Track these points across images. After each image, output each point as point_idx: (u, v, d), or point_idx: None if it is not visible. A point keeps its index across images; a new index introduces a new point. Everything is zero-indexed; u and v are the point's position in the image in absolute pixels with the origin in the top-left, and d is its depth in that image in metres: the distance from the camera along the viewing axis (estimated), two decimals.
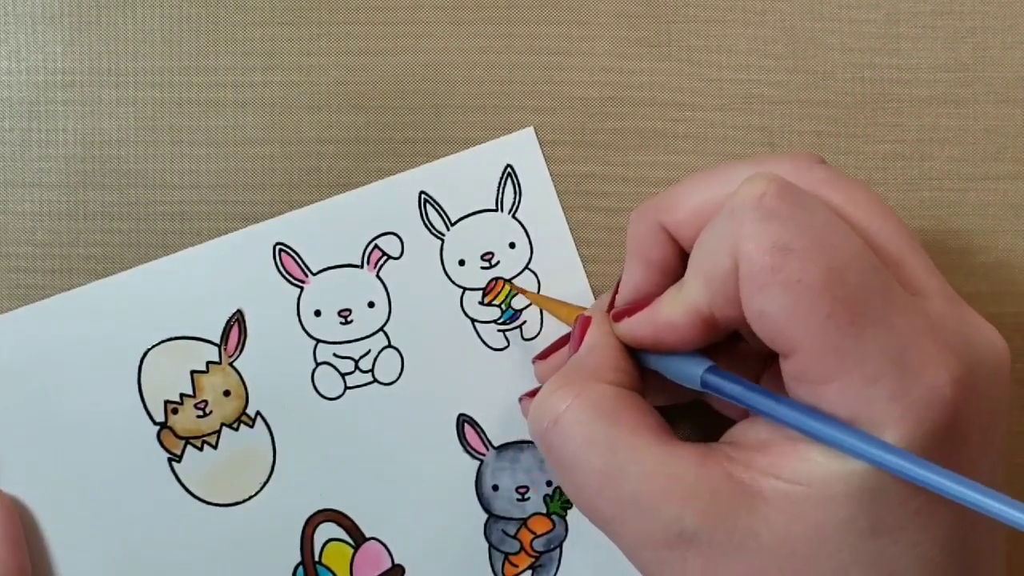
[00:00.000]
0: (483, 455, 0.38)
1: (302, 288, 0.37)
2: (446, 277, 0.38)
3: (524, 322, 0.38)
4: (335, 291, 0.37)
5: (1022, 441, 0.39)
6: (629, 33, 0.39)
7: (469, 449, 0.37)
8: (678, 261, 0.32)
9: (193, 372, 0.37)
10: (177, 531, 0.37)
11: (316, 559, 0.37)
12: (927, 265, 0.30)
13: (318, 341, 0.37)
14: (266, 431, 0.37)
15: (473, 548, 0.37)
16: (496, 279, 0.38)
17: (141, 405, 0.37)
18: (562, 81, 0.39)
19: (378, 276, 0.38)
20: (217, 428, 0.37)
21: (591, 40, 0.39)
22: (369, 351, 0.37)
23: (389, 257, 0.38)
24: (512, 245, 0.38)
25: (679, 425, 0.38)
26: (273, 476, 0.37)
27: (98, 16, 0.38)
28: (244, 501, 0.37)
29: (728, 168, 0.31)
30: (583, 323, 0.33)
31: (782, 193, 0.28)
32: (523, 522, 0.38)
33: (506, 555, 0.38)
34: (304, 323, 0.37)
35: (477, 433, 0.37)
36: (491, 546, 0.38)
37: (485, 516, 0.38)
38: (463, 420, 0.37)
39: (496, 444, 0.38)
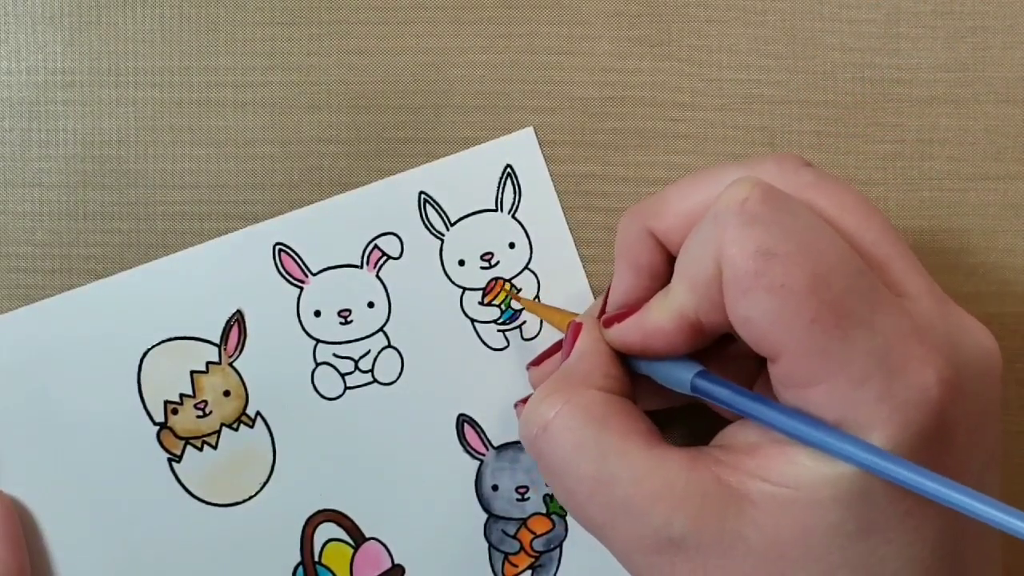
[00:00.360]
0: (483, 455, 0.38)
1: (302, 288, 0.37)
2: (446, 277, 0.38)
3: (524, 322, 0.38)
4: (335, 291, 0.37)
5: (1022, 441, 0.39)
6: (629, 33, 0.39)
7: (469, 449, 0.37)
8: (666, 266, 0.32)
9: (193, 372, 0.37)
10: (177, 531, 0.37)
11: (316, 559, 0.37)
12: (914, 266, 0.30)
13: (318, 341, 0.37)
14: (266, 431, 0.37)
15: (473, 548, 0.37)
16: (496, 279, 0.38)
17: (141, 405, 0.37)
18: (562, 81, 0.39)
19: (378, 276, 0.38)
20: (217, 428, 0.37)
21: (591, 40, 0.39)
22: (369, 351, 0.37)
23: (389, 257, 0.38)
24: (512, 245, 0.38)
25: (672, 428, 0.38)
26: (273, 476, 0.37)
27: (98, 16, 0.38)
28: (244, 501, 0.37)
29: (715, 172, 0.31)
30: (574, 329, 0.33)
31: (765, 197, 0.28)
32: (523, 522, 0.38)
33: (506, 555, 0.38)
34: (304, 323, 0.37)
35: (477, 433, 0.37)
36: (491, 546, 0.38)
37: (485, 516, 0.38)
38: (463, 420, 0.37)
39: (496, 444, 0.38)
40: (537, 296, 0.38)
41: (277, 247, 0.37)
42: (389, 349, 0.37)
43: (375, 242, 0.38)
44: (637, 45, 0.39)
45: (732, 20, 0.39)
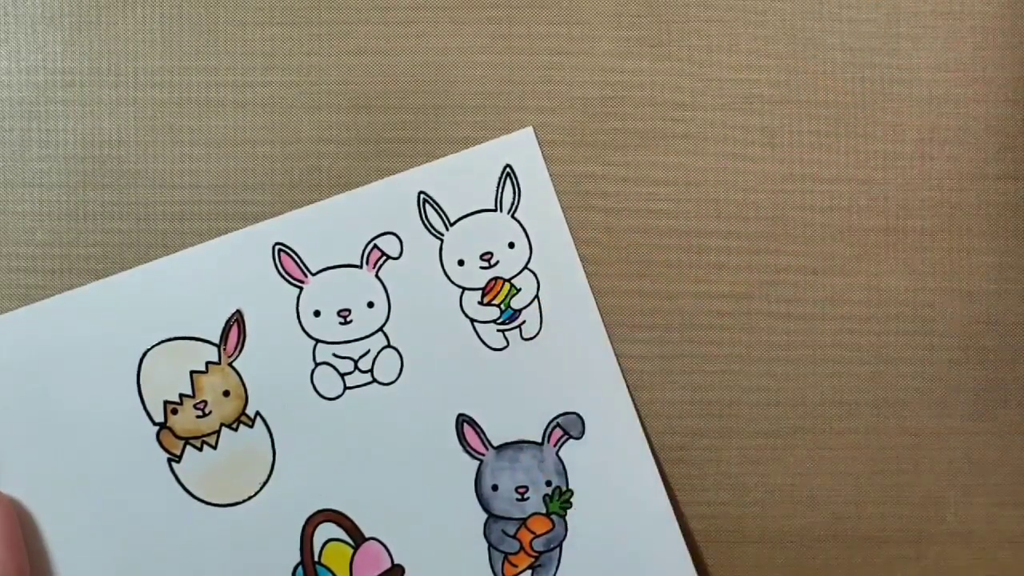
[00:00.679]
0: (482, 455, 0.38)
1: (301, 288, 0.37)
2: (445, 277, 0.38)
3: (523, 322, 0.38)
4: (334, 291, 0.37)
5: (1022, 441, 0.39)
6: (629, 33, 0.39)
7: (468, 449, 0.37)
8: None
9: (192, 372, 0.37)
10: (177, 531, 0.37)
11: (316, 559, 0.37)
12: None
13: (317, 341, 0.37)
14: (265, 431, 0.37)
15: (473, 548, 0.37)
16: (495, 279, 0.38)
17: (140, 405, 0.37)
18: (562, 81, 0.39)
19: (377, 276, 0.38)
20: (216, 428, 0.37)
21: (591, 40, 0.39)
22: (368, 351, 0.37)
23: (388, 257, 0.38)
24: (511, 245, 0.38)
25: (672, 428, 0.38)
26: (273, 476, 0.37)
27: (98, 16, 0.38)
28: (244, 501, 0.37)
29: None
30: None
31: None
32: (522, 522, 0.38)
33: (505, 555, 0.38)
34: (303, 323, 0.37)
35: (476, 433, 0.37)
36: (491, 546, 0.38)
37: (484, 516, 0.38)
38: (462, 420, 0.37)
39: (495, 444, 0.38)
40: (537, 296, 0.38)
41: (277, 247, 0.37)
42: (389, 349, 0.37)
43: (375, 242, 0.38)
44: (637, 45, 0.39)
45: (732, 20, 0.39)
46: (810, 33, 0.39)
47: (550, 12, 0.39)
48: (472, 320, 0.38)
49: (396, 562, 0.37)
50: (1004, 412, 0.39)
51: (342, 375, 0.37)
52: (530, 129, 0.38)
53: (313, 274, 0.37)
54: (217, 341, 0.37)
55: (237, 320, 0.37)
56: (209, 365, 0.37)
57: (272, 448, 0.37)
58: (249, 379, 0.37)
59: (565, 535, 0.38)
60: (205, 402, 0.37)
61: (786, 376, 0.39)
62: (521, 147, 0.38)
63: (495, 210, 0.38)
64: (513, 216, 0.38)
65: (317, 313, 0.37)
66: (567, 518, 0.38)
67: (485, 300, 0.38)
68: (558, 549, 0.38)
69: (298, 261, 0.37)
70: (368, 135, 0.38)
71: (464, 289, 0.38)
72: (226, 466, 0.37)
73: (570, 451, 0.38)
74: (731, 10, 0.39)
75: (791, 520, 0.39)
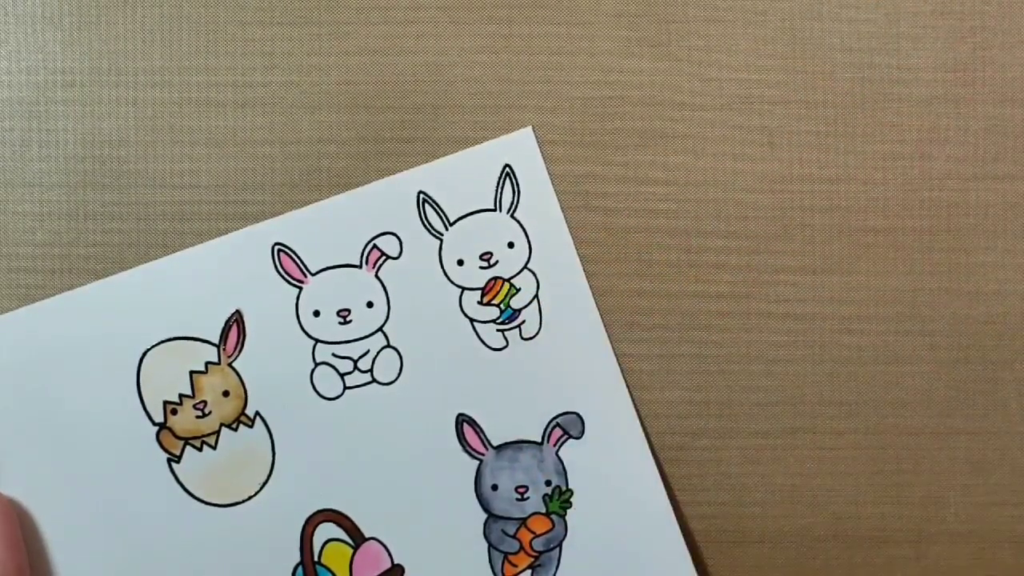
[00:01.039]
0: (482, 455, 0.38)
1: (301, 288, 0.37)
2: (445, 277, 0.38)
3: (523, 322, 0.38)
4: (334, 291, 0.37)
5: (1022, 441, 0.39)
6: (629, 33, 0.39)
7: (468, 449, 0.37)
8: None
9: (192, 372, 0.37)
10: (176, 531, 0.37)
11: (315, 559, 0.37)
12: None
13: (317, 341, 0.37)
14: (265, 431, 0.37)
15: (472, 548, 0.37)
16: (495, 279, 0.38)
17: (140, 405, 0.37)
18: (561, 81, 0.39)
19: (377, 276, 0.38)
20: (216, 428, 0.37)
21: (591, 40, 0.39)
22: (368, 351, 0.37)
23: (388, 257, 0.38)
24: (511, 245, 0.38)
25: (671, 427, 0.38)
26: (272, 476, 0.37)
27: (98, 16, 0.38)
28: (243, 501, 0.37)
29: None
30: None
31: None
32: (522, 522, 0.38)
33: (505, 555, 0.38)
34: (303, 323, 0.37)
35: (476, 433, 0.37)
36: (490, 546, 0.37)
37: (484, 516, 0.38)
38: (462, 420, 0.37)
39: (495, 444, 0.38)
40: (536, 296, 0.38)
41: (276, 247, 0.37)
42: (388, 349, 0.37)
43: (374, 242, 0.38)
44: (637, 45, 0.39)
45: (732, 20, 0.39)
46: (810, 33, 0.39)
47: (550, 12, 0.39)
48: (472, 320, 0.38)
49: (396, 562, 0.37)
50: (1004, 412, 0.39)
51: (342, 375, 0.37)
52: (529, 129, 0.38)
53: (313, 274, 0.37)
54: (217, 341, 0.37)
55: (237, 320, 0.37)
56: (209, 365, 0.37)
57: (272, 448, 0.37)
58: (249, 379, 0.37)
59: (565, 535, 0.38)
60: (205, 402, 0.37)
61: (786, 376, 0.39)
62: (520, 147, 0.38)
63: (494, 210, 0.38)
64: (512, 216, 0.38)
65: (317, 313, 0.37)
66: (567, 518, 0.38)
67: (485, 300, 0.38)
68: (558, 549, 0.38)
69: (298, 261, 0.37)
70: (368, 135, 0.38)
71: (464, 289, 0.38)
72: (226, 466, 0.37)
73: (570, 451, 0.38)
74: (731, 10, 0.39)
75: (791, 520, 0.39)
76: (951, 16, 0.39)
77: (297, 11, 0.38)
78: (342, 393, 0.37)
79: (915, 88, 0.39)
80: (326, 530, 0.37)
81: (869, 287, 0.39)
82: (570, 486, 0.38)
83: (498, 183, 0.38)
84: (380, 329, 0.38)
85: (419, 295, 0.38)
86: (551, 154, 0.38)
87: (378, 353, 0.37)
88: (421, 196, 0.38)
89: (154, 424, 0.37)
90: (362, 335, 0.37)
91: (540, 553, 0.38)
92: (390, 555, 0.37)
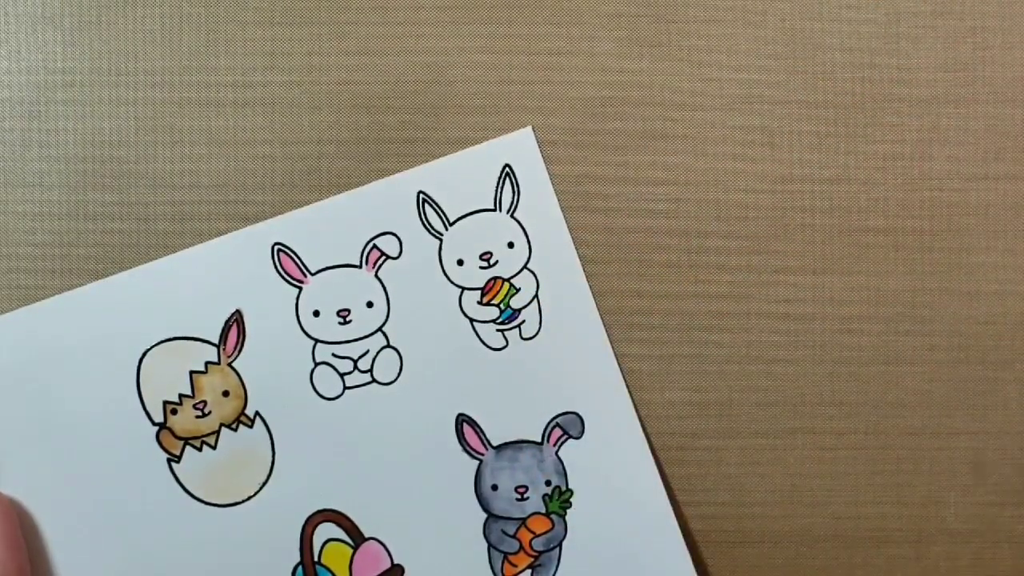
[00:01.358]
0: (482, 455, 0.38)
1: (301, 288, 0.37)
2: (444, 277, 0.38)
3: (523, 321, 0.38)
4: (334, 291, 0.37)
5: (1022, 441, 0.39)
6: (629, 33, 0.39)
7: (468, 449, 0.37)
8: None
9: (192, 372, 0.37)
10: (176, 531, 0.37)
11: (315, 559, 0.37)
12: None
13: (317, 341, 0.37)
14: (265, 431, 0.37)
15: (472, 548, 0.37)
16: (495, 279, 0.38)
17: (140, 405, 0.37)
18: (561, 81, 0.39)
19: (377, 276, 0.38)
20: (216, 428, 0.37)
21: (591, 40, 0.39)
22: (368, 351, 0.37)
23: (388, 257, 0.38)
24: (511, 245, 0.38)
25: (670, 426, 0.38)
26: (272, 476, 0.37)
27: (98, 16, 0.38)
28: (243, 501, 0.37)
29: None
30: None
31: None
32: (522, 522, 0.38)
33: (505, 555, 0.38)
34: (303, 323, 0.37)
35: (476, 433, 0.37)
36: (490, 546, 0.37)
37: (484, 516, 0.38)
38: (462, 420, 0.37)
39: (495, 444, 0.38)
40: (536, 296, 0.38)
41: (276, 247, 0.37)
42: (388, 349, 0.37)
43: (374, 242, 0.38)
44: (637, 45, 0.39)
45: (732, 20, 0.39)
46: (810, 33, 0.39)
47: (550, 12, 0.39)
48: (471, 320, 0.38)
49: (396, 562, 0.37)
50: (1004, 412, 0.39)
51: (341, 375, 0.37)
52: (529, 129, 0.38)
53: (312, 274, 0.37)
54: (217, 341, 0.37)
55: (236, 320, 0.37)
56: (208, 365, 0.37)
57: (272, 448, 0.37)
58: (249, 379, 0.37)
59: (565, 535, 0.38)
60: (205, 402, 0.37)
61: (786, 376, 0.39)
62: (520, 147, 0.38)
63: (494, 210, 0.38)
64: (512, 216, 0.38)
65: (316, 313, 0.37)
66: (567, 518, 0.38)
67: (484, 300, 0.38)
68: (558, 549, 0.38)
69: (297, 261, 0.37)
70: (368, 135, 0.38)
71: (463, 289, 0.38)
72: (226, 466, 0.37)
73: (570, 451, 0.38)
74: (731, 10, 0.39)
75: (791, 520, 0.39)
76: (951, 16, 0.39)
77: (297, 11, 0.38)
78: (342, 393, 0.37)
79: (915, 88, 0.39)
80: (326, 530, 0.37)
81: (869, 287, 0.39)
82: (570, 486, 0.38)
83: (498, 183, 0.38)
84: (380, 329, 0.38)
85: (419, 295, 0.38)
86: (551, 154, 0.38)
87: (378, 353, 0.37)
88: (421, 196, 0.38)
89: (154, 424, 0.37)
90: (362, 335, 0.37)
91: (540, 553, 0.38)
92: (390, 555, 0.37)
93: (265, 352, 0.37)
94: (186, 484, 0.37)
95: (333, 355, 0.37)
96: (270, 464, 0.37)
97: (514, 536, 0.38)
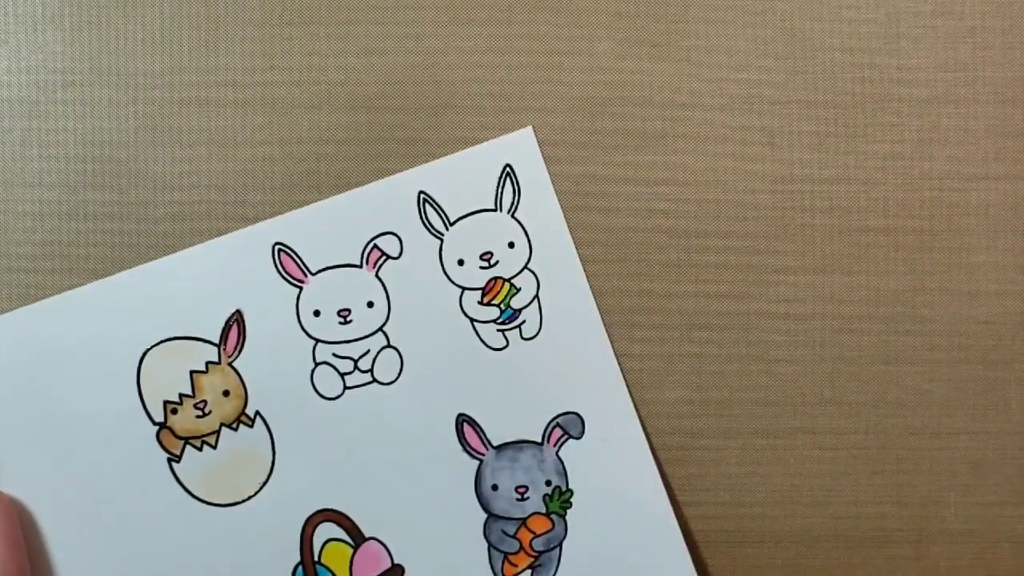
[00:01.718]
0: (482, 455, 0.38)
1: (301, 288, 0.37)
2: (445, 277, 0.38)
3: (523, 322, 0.38)
4: (334, 291, 0.37)
5: (1022, 441, 0.39)
6: (629, 33, 0.39)
7: (468, 449, 0.37)
8: None
9: (192, 372, 0.37)
10: (177, 531, 0.37)
11: (316, 559, 0.37)
12: None
13: (317, 341, 0.37)
14: (265, 431, 0.37)
15: (472, 548, 0.37)
16: (495, 279, 0.38)
17: (140, 405, 0.37)
18: (562, 81, 0.39)
19: (377, 276, 0.38)
20: (216, 428, 0.37)
21: (591, 40, 0.39)
22: (368, 351, 0.37)
23: (388, 257, 0.38)
24: (511, 245, 0.38)
25: (670, 425, 0.38)
26: (272, 476, 0.37)
27: (98, 16, 0.38)
28: (243, 501, 0.37)
29: None
30: None
31: None
32: (522, 522, 0.38)
33: (505, 555, 0.38)
34: (303, 323, 0.37)
35: (476, 433, 0.37)
36: (490, 546, 0.37)
37: (484, 516, 0.38)
38: (462, 420, 0.37)
39: (495, 444, 0.38)
40: (537, 296, 0.38)
41: (276, 247, 0.37)
42: (388, 349, 0.37)
43: (374, 242, 0.38)
44: (637, 45, 0.39)
45: (732, 20, 0.39)
46: (810, 33, 0.39)
47: (550, 12, 0.39)
48: (472, 320, 0.38)
49: (396, 562, 0.37)
50: (1004, 412, 0.39)
51: (342, 375, 0.37)
52: (530, 129, 0.38)
53: (313, 274, 0.37)
54: (217, 341, 0.37)
55: (237, 320, 0.37)
56: (209, 365, 0.37)
57: (272, 448, 0.37)
58: (249, 379, 0.37)
59: (565, 535, 0.38)
60: (205, 402, 0.37)
61: (786, 376, 0.39)
62: (521, 147, 0.38)
63: (495, 210, 0.38)
64: (513, 216, 0.38)
65: (317, 313, 0.37)
66: (567, 518, 0.38)
67: (485, 300, 0.38)
68: (558, 549, 0.38)
69: (298, 261, 0.37)
70: (368, 135, 0.38)
71: (464, 289, 0.38)
72: (226, 466, 0.37)
73: (570, 451, 0.38)
74: (731, 10, 0.39)
75: (791, 520, 0.39)
76: (951, 16, 0.39)
77: (297, 11, 0.38)
78: (342, 393, 0.37)
79: (915, 88, 0.39)
80: (326, 530, 0.37)
81: (869, 287, 0.39)
82: (570, 486, 0.38)
83: (498, 183, 0.38)
84: (380, 329, 0.38)
85: (419, 295, 0.38)
86: (551, 154, 0.38)
87: (378, 353, 0.37)
88: (421, 196, 0.38)
89: (154, 424, 0.37)
90: (362, 335, 0.37)
91: (540, 553, 0.38)
92: (390, 555, 0.37)
93: (265, 352, 0.37)
94: (186, 484, 0.37)
95: (333, 355, 0.37)
96: (270, 464, 0.37)
97: (514, 536, 0.38)
